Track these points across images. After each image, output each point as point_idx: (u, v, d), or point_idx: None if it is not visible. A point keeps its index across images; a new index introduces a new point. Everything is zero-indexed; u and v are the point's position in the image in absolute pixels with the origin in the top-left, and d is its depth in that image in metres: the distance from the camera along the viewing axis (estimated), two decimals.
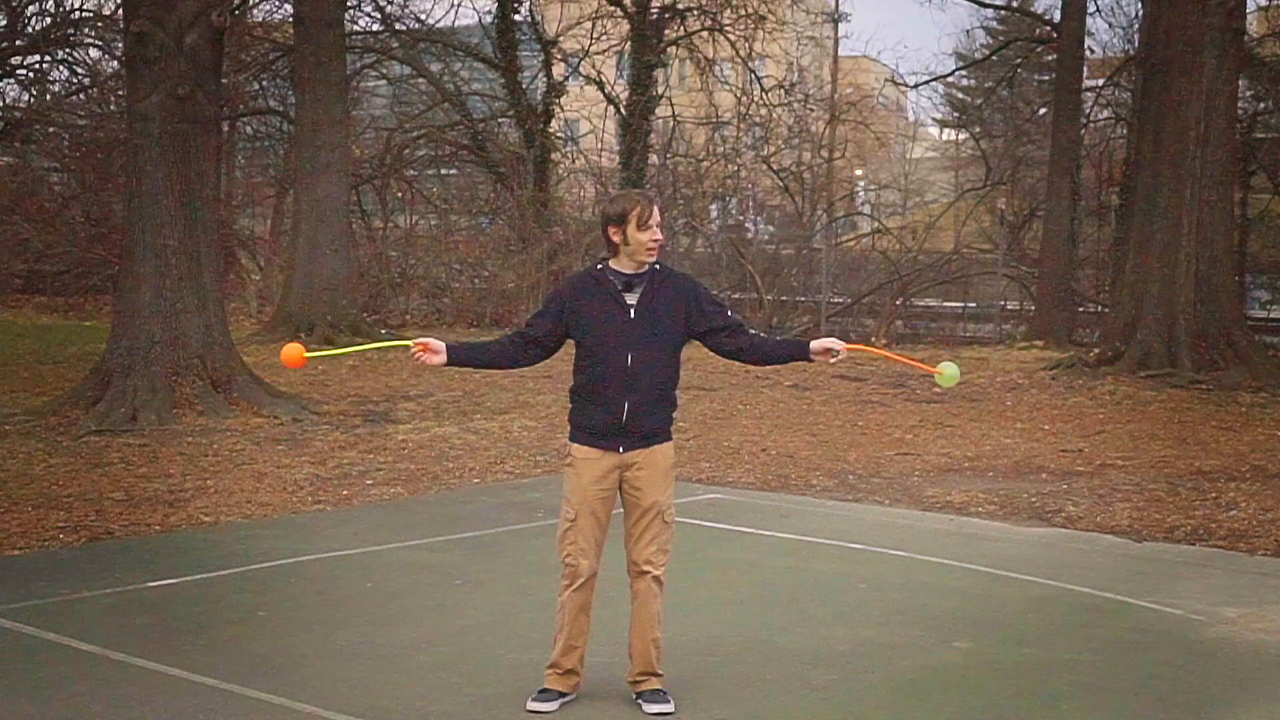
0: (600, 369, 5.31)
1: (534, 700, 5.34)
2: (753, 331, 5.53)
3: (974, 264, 28.03)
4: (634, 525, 5.38)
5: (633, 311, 5.30)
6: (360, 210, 29.04)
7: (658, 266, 5.38)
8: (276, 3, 31.05)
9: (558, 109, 29.47)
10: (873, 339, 24.10)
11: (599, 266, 5.39)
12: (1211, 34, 17.42)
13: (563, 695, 5.37)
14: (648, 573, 5.36)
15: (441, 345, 5.34)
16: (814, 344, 5.39)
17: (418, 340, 5.35)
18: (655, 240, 5.28)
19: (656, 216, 5.28)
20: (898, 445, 12.66)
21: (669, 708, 5.32)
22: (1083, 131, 26.62)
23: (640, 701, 5.36)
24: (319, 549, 8.17)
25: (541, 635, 6.18)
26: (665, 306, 5.33)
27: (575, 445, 5.39)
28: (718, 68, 29.89)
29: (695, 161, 30.09)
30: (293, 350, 5.39)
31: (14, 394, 14.47)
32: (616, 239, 5.30)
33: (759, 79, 30.23)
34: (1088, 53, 26.86)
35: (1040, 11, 32.08)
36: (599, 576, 5.41)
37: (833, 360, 5.37)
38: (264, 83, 29.38)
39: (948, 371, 5.45)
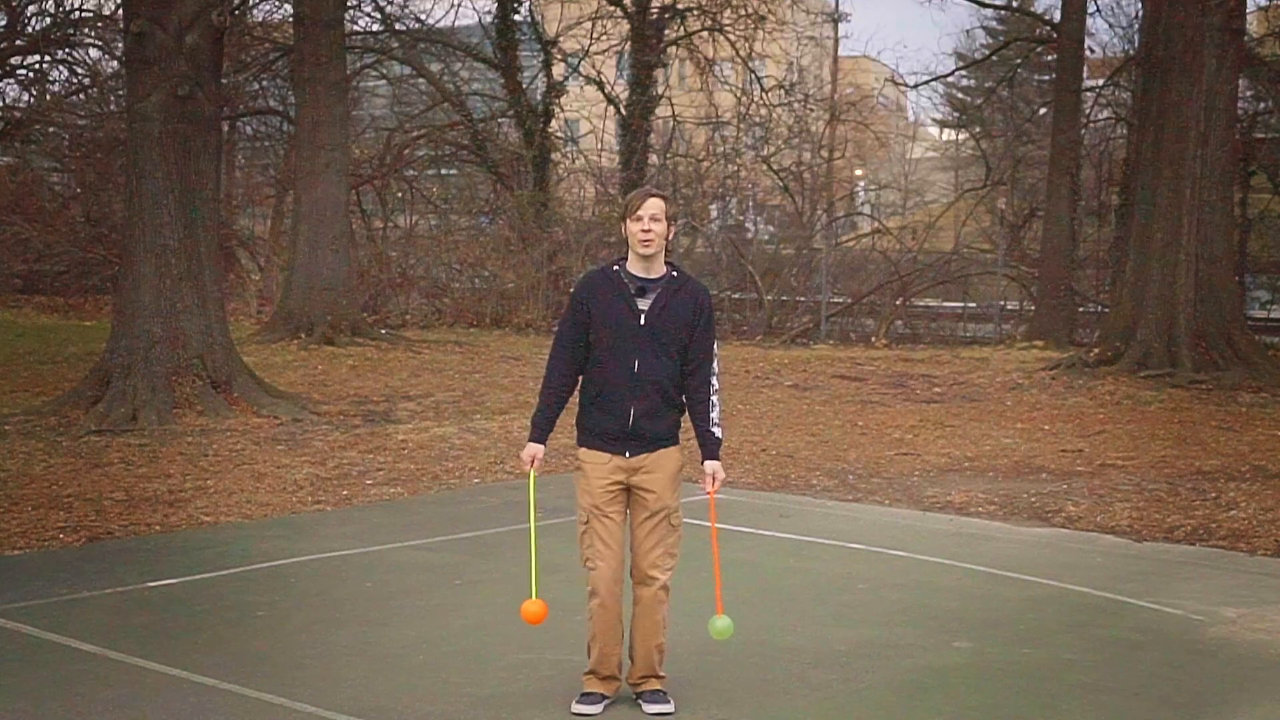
0: (607, 373, 5.30)
1: (578, 703, 5.33)
2: (711, 388, 5.37)
3: (974, 264, 28.03)
4: (639, 528, 5.37)
5: (643, 318, 5.29)
6: (360, 210, 29.03)
7: (675, 273, 5.38)
8: (276, 3, 31.09)
9: (558, 109, 29.48)
10: (873, 339, 24.12)
11: (614, 267, 5.39)
12: (1211, 34, 17.43)
13: (605, 697, 5.37)
14: (655, 579, 5.35)
15: (538, 449, 5.37)
16: (707, 464, 5.37)
17: (533, 469, 5.39)
18: (644, 231, 5.25)
19: (650, 208, 5.25)
20: (898, 445, 12.66)
21: (669, 708, 5.32)
22: (1083, 131, 26.63)
23: (640, 702, 5.36)
24: (319, 549, 8.17)
25: (541, 635, 6.18)
26: (676, 315, 5.31)
27: (583, 450, 5.39)
28: (718, 68, 29.90)
29: (695, 161, 30.11)
30: (532, 608, 5.32)
31: (14, 394, 14.47)
32: (624, 233, 5.35)
33: (759, 79, 30.24)
34: (1088, 53, 26.88)
35: (1040, 11, 32.18)
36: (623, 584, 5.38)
37: (701, 484, 5.39)
38: (264, 83, 29.36)
39: (719, 625, 5.28)
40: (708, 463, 5.39)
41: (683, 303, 5.33)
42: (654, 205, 5.28)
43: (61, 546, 8.16)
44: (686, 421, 5.43)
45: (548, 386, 5.44)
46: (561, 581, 6.91)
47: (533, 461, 5.39)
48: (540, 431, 5.41)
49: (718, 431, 5.39)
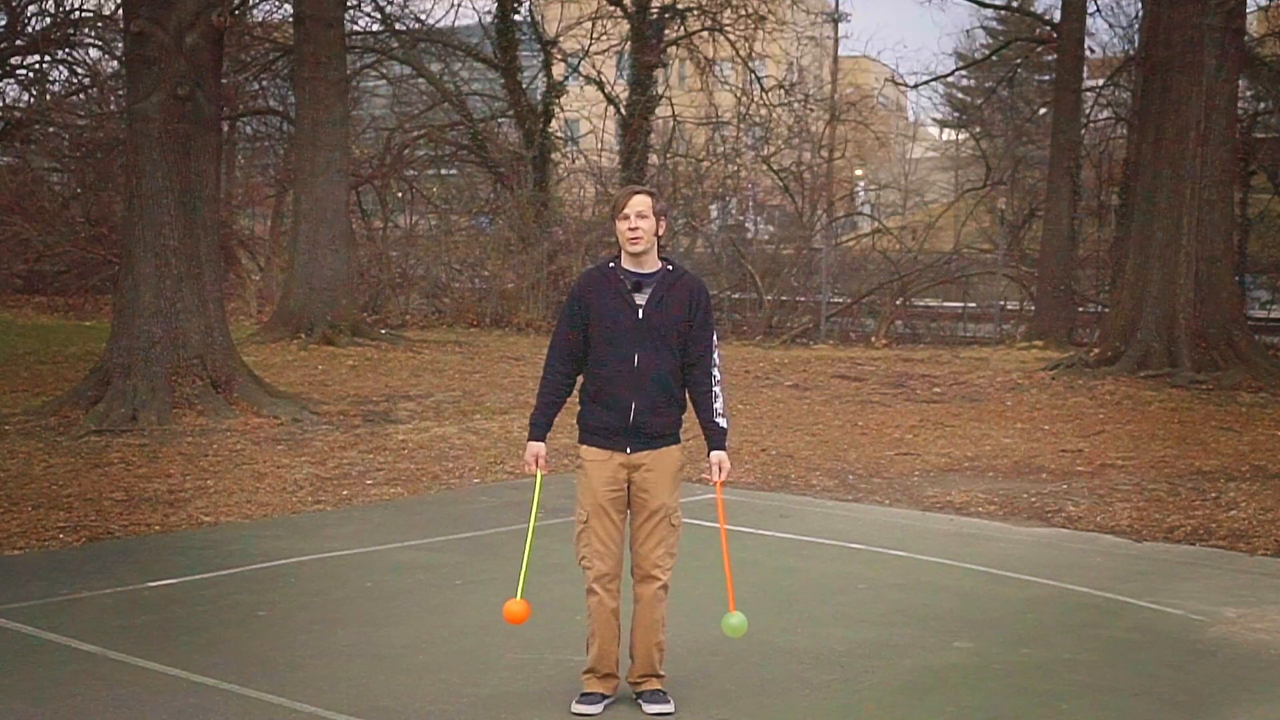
0: (608, 369, 5.30)
1: (578, 703, 5.32)
2: (713, 379, 5.39)
3: (974, 264, 28.04)
4: (640, 527, 5.38)
5: (641, 312, 5.29)
6: (360, 210, 29.04)
7: (670, 267, 5.38)
8: (276, 3, 31.12)
9: (558, 109, 29.48)
10: (873, 339, 24.12)
11: (610, 264, 5.39)
12: (1211, 34, 17.43)
13: (605, 697, 5.36)
14: (655, 579, 5.35)
15: (540, 447, 5.39)
16: (713, 454, 5.38)
17: (539, 469, 5.41)
18: (632, 229, 5.26)
19: (636, 205, 5.26)
20: (898, 445, 12.66)
21: (669, 708, 5.32)
22: (1083, 131, 26.63)
23: (640, 701, 5.36)
24: (319, 549, 8.17)
25: (541, 635, 6.18)
26: (673, 307, 5.32)
27: (584, 448, 5.39)
28: (718, 68, 29.91)
29: (695, 161, 30.11)
30: (515, 608, 5.27)
31: (14, 394, 14.47)
32: (614, 232, 5.36)
33: (759, 79, 30.25)
34: (1088, 53, 26.88)
35: (1040, 11, 32.17)
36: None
37: (707, 476, 5.48)
38: (264, 83, 29.38)
39: (734, 621, 5.28)
40: (714, 453, 5.38)
41: (679, 295, 5.34)
42: (639, 202, 5.28)
43: (61, 546, 8.16)
44: (687, 420, 5.43)
45: (545, 385, 5.44)
46: (561, 581, 6.91)
47: (536, 461, 5.39)
48: (540, 430, 5.41)
49: (722, 422, 5.39)
